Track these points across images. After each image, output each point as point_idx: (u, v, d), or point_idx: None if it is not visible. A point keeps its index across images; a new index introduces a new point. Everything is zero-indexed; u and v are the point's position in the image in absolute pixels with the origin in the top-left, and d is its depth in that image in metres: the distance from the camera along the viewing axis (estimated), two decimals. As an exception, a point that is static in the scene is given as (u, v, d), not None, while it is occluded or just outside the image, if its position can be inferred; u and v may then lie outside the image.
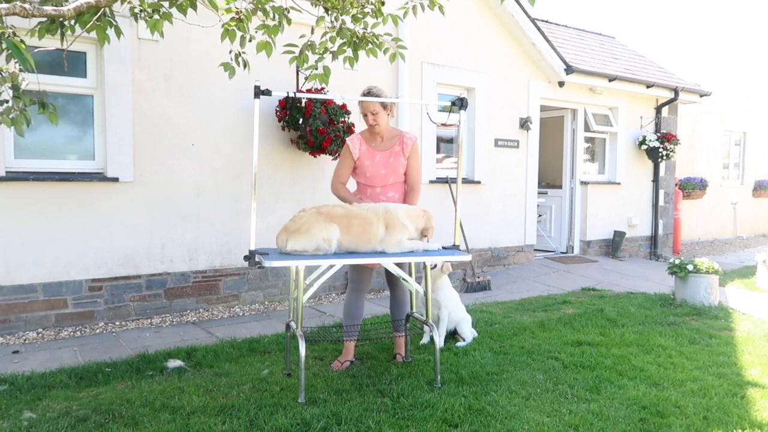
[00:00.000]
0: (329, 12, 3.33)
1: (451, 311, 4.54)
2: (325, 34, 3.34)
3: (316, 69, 3.36)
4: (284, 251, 3.52)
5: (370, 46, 3.40)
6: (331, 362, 4.02)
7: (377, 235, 3.56)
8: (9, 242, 4.83)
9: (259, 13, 3.29)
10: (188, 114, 5.60)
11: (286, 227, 3.58)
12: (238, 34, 3.25)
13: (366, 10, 3.33)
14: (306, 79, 3.48)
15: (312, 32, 3.35)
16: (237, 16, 3.16)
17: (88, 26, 2.87)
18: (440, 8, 3.45)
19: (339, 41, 3.34)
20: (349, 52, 3.40)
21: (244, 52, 3.49)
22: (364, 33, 3.33)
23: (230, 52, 3.50)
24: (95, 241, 5.18)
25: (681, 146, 10.62)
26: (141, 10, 3.13)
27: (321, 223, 3.52)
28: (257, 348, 4.43)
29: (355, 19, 3.32)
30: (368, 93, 3.88)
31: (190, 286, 5.70)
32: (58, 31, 3.20)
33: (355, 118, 6.16)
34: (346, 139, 4.10)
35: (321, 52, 3.34)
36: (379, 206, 3.68)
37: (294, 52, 3.28)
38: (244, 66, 3.52)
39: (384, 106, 3.92)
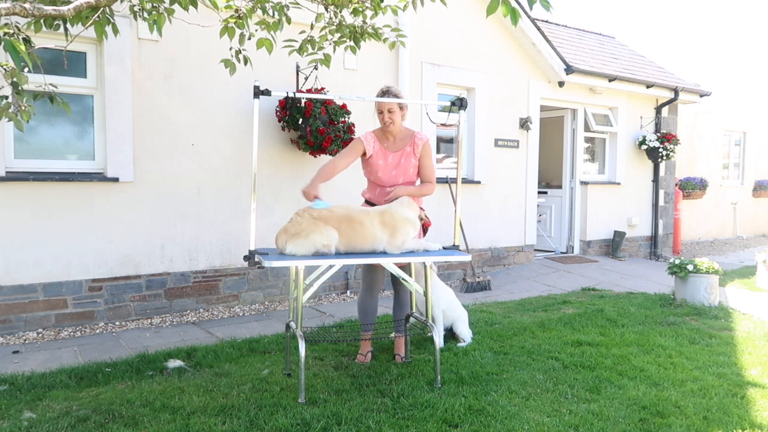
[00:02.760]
0: (328, 9, 3.33)
1: (445, 309, 4.51)
2: (323, 29, 3.34)
3: (316, 54, 3.36)
4: (283, 253, 3.52)
5: (373, 38, 3.41)
6: (333, 362, 4.03)
7: (377, 238, 3.56)
8: (9, 242, 4.83)
9: (259, 11, 3.29)
10: (188, 114, 5.60)
11: (285, 229, 3.57)
12: (238, 31, 3.25)
13: (366, 4, 3.33)
14: (312, 69, 3.49)
15: (311, 28, 3.36)
16: (237, 14, 3.16)
17: (89, 23, 2.88)
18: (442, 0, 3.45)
19: (338, 35, 3.35)
20: (349, 42, 3.40)
21: (244, 49, 3.49)
22: (362, 26, 3.33)
23: (230, 48, 3.50)
24: (95, 241, 5.18)
25: (681, 146, 10.62)
26: (141, 9, 3.13)
27: (320, 228, 3.51)
28: (257, 348, 4.43)
29: (355, 12, 3.32)
30: (386, 92, 3.89)
31: (190, 286, 5.70)
32: (60, 28, 3.21)
33: (355, 118, 6.16)
34: (360, 136, 4.04)
35: (320, 43, 3.34)
36: (378, 209, 3.69)
37: (294, 46, 3.29)
38: (245, 62, 3.52)
39: (401, 106, 3.92)
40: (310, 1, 3.38)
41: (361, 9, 3.33)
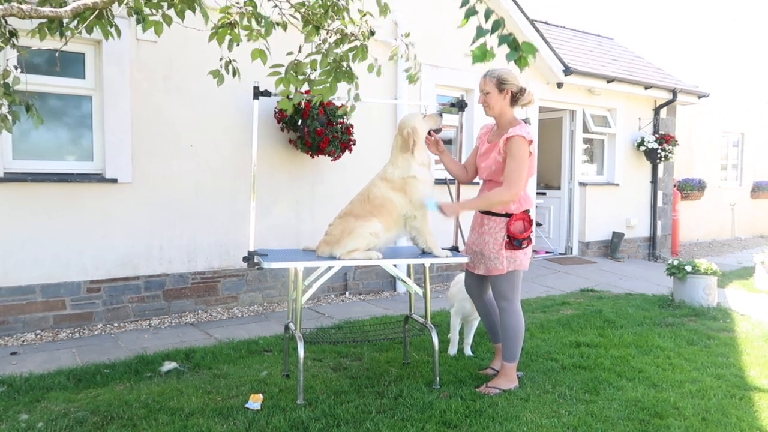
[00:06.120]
0: (318, 31, 3.25)
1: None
2: (309, 55, 3.23)
3: (290, 96, 3.20)
4: (338, 258, 3.47)
5: (352, 80, 3.27)
6: (332, 363, 4.02)
7: (403, 207, 3.54)
8: (7, 243, 4.82)
9: (252, 20, 3.26)
10: (187, 114, 5.59)
11: (325, 241, 3.56)
12: (227, 38, 3.20)
13: (356, 43, 3.23)
14: (278, 104, 3.31)
15: (300, 50, 3.29)
16: (229, 21, 3.12)
17: (86, 23, 2.87)
18: (411, 79, 3.34)
19: (319, 69, 3.22)
20: (327, 83, 3.27)
21: (234, 61, 3.46)
22: (343, 66, 3.22)
23: (221, 59, 3.47)
24: (94, 243, 5.17)
25: (679, 147, 10.64)
26: (136, 11, 3.11)
27: (359, 221, 3.46)
28: (256, 349, 4.42)
29: (345, 57, 3.19)
30: (486, 73, 3.64)
31: (189, 287, 5.70)
32: (58, 31, 3.20)
33: (354, 119, 6.15)
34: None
35: (303, 68, 3.21)
36: (378, 177, 3.63)
37: (280, 73, 3.17)
38: (234, 74, 3.48)
39: (501, 89, 3.53)
40: (302, 22, 3.31)
41: (349, 48, 3.20)
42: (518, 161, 3.43)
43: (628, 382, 3.72)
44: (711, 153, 13.71)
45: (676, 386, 3.69)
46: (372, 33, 3.26)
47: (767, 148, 15.27)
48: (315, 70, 3.13)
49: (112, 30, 3.26)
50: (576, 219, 9.53)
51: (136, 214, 5.37)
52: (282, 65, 3.15)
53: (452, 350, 4.31)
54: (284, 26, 3.25)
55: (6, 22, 3.25)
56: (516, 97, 3.58)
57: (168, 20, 3.11)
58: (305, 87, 3.19)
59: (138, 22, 3.14)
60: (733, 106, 14.10)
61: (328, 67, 3.11)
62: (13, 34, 3.26)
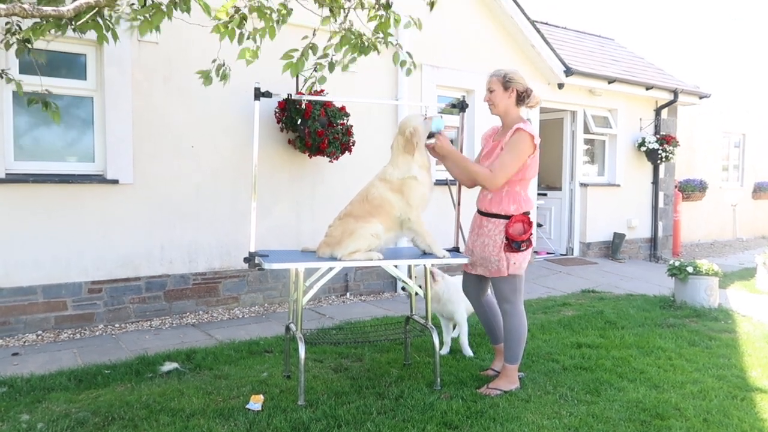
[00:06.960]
0: (334, 11, 3.22)
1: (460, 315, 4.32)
2: (332, 36, 3.21)
3: (314, 71, 3.25)
4: (339, 259, 3.47)
5: (377, 51, 3.29)
6: (333, 364, 4.02)
7: (399, 209, 3.51)
8: (8, 244, 4.82)
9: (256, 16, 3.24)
10: (187, 115, 5.59)
11: (325, 242, 3.55)
12: (237, 30, 3.20)
13: (379, 13, 3.23)
14: (305, 81, 3.38)
15: (314, 34, 3.26)
16: (237, 16, 3.09)
17: (83, 24, 2.86)
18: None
19: (344, 48, 3.23)
20: (354, 56, 3.29)
21: (228, 68, 3.46)
22: (368, 37, 3.23)
23: (213, 61, 3.46)
24: (95, 243, 5.17)
25: (680, 148, 10.63)
26: (134, 15, 3.10)
27: (360, 222, 3.45)
28: (257, 350, 4.42)
29: (371, 20, 3.19)
30: (492, 72, 3.63)
31: (190, 288, 5.70)
32: (57, 33, 3.20)
33: (354, 120, 6.16)
34: None
35: (322, 56, 3.23)
36: (377, 177, 3.63)
37: (291, 57, 3.17)
38: (222, 78, 3.48)
39: (506, 87, 3.53)
40: (315, 3, 3.28)
41: (372, 14, 3.19)
42: (514, 154, 3.44)
43: (630, 383, 3.72)
44: (712, 153, 13.70)
45: (678, 387, 3.68)
46: (389, 4, 3.25)
47: (768, 149, 15.27)
48: (339, 51, 3.13)
49: (109, 34, 3.26)
50: (577, 220, 9.53)
51: (137, 215, 5.37)
52: (296, 49, 3.13)
53: (444, 350, 4.32)
54: (284, 20, 3.24)
55: (21, 29, 3.25)
56: (522, 97, 3.59)
57: (169, 13, 3.08)
58: (315, 87, 3.20)
59: (114, 23, 3.13)
60: (734, 107, 14.09)
61: (349, 45, 3.10)
62: (28, 40, 3.27)
